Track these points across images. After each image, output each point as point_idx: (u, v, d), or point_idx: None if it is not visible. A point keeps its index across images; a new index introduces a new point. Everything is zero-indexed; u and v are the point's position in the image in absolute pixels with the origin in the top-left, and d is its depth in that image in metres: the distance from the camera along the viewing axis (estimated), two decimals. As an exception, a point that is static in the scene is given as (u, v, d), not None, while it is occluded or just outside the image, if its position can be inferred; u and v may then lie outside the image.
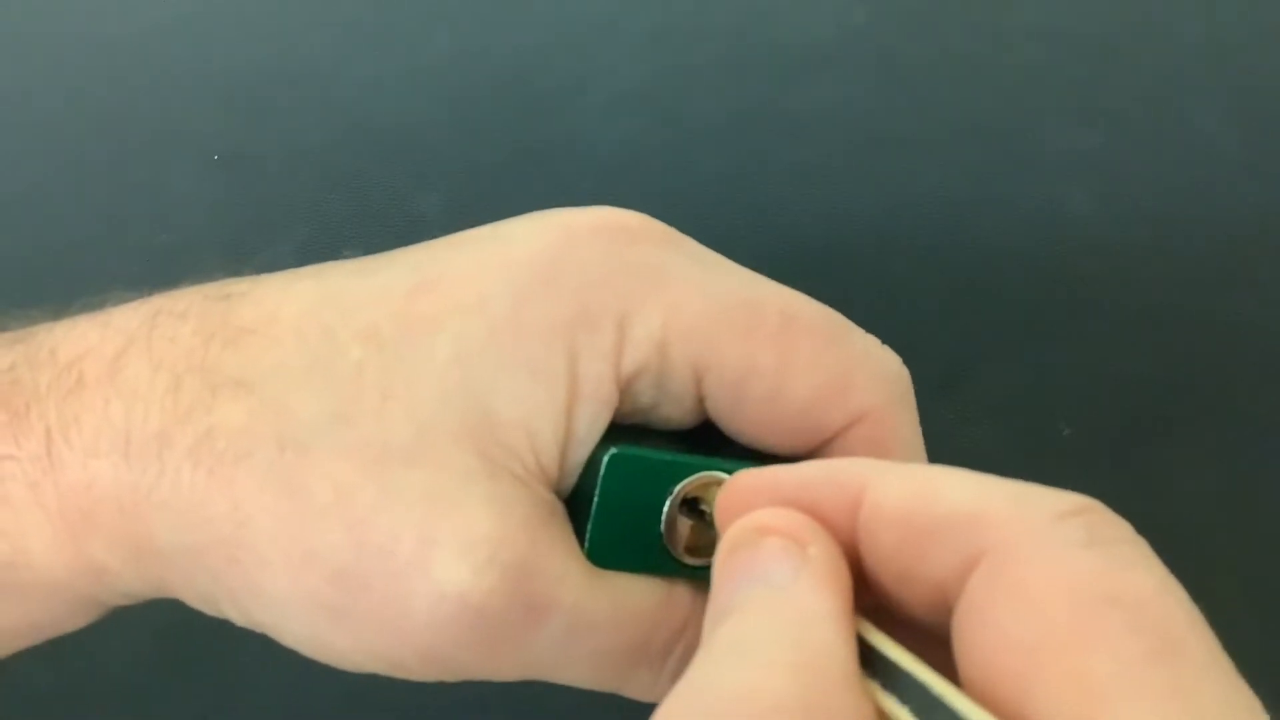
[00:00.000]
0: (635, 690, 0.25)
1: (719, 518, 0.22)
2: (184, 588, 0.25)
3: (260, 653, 0.39)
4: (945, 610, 0.19)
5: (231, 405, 0.24)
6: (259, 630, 0.25)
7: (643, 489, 0.24)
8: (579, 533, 0.25)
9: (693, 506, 0.25)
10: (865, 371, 0.25)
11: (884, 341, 0.27)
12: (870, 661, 0.19)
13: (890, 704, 0.18)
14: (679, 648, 0.25)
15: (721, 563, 0.21)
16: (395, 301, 0.25)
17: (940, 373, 0.44)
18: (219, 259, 0.27)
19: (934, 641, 0.19)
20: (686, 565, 0.25)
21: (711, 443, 0.26)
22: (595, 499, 0.24)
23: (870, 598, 0.21)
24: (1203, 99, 0.51)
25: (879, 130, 0.50)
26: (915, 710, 0.18)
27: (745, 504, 0.22)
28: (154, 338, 0.25)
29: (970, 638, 0.18)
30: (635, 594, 0.25)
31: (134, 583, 0.25)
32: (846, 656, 0.18)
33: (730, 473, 0.24)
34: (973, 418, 0.43)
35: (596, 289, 0.25)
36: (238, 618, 0.25)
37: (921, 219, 0.48)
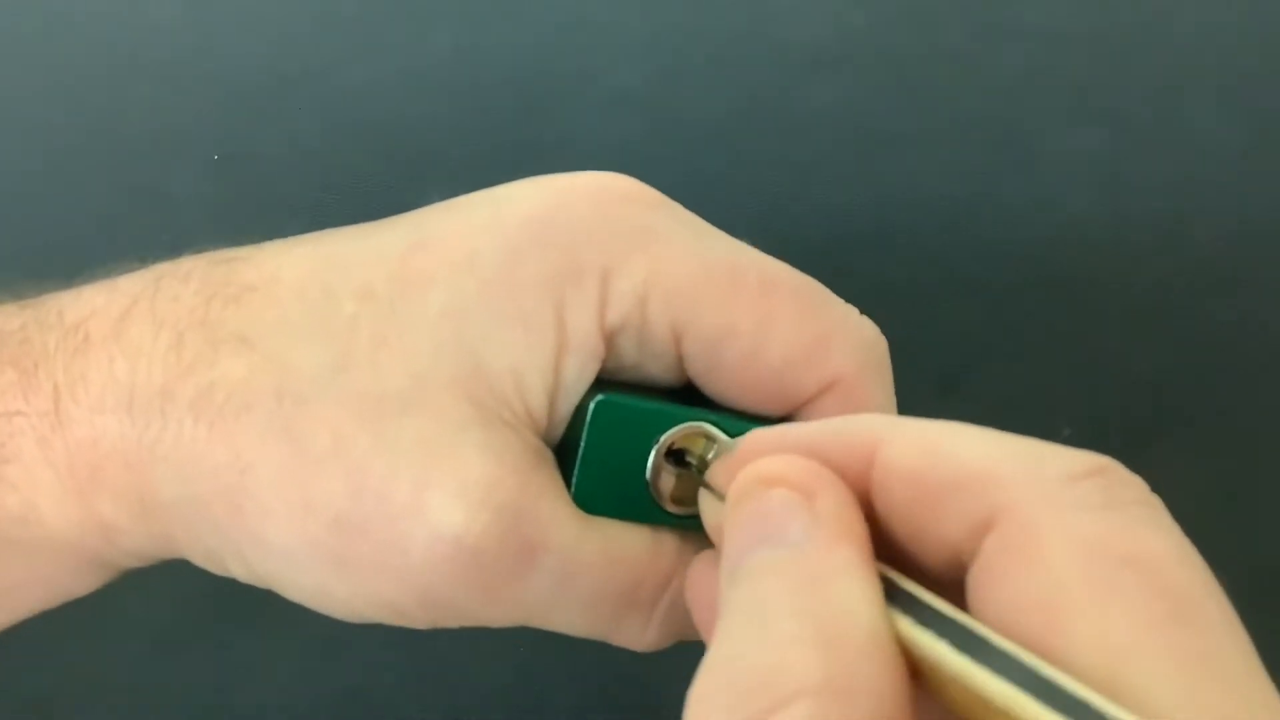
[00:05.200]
0: (626, 637, 0.26)
1: (728, 478, 0.22)
2: (189, 543, 0.25)
3: (258, 655, 0.39)
4: (961, 568, 0.19)
5: (232, 359, 0.24)
6: (262, 584, 0.25)
7: (628, 437, 0.25)
8: (567, 480, 0.25)
9: (679, 458, 0.25)
10: (840, 338, 0.26)
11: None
12: (898, 599, 0.19)
13: (925, 637, 0.18)
14: (667, 594, 0.25)
15: (729, 516, 0.21)
16: (391, 261, 0.25)
17: (940, 373, 0.44)
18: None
19: (951, 596, 0.19)
20: (671, 514, 0.25)
21: (703, 401, 0.27)
22: (581, 444, 0.25)
23: (886, 554, 0.20)
24: (1203, 98, 0.51)
25: (879, 130, 0.50)
26: (952, 642, 0.18)
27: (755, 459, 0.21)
28: (158, 298, 0.25)
29: (986, 600, 0.18)
30: (624, 539, 0.25)
31: (141, 540, 0.26)
32: (869, 615, 0.18)
33: (716, 425, 0.25)
34: (973, 418, 0.43)
35: (584, 245, 0.25)
36: (242, 572, 0.25)
37: (921, 218, 0.48)
